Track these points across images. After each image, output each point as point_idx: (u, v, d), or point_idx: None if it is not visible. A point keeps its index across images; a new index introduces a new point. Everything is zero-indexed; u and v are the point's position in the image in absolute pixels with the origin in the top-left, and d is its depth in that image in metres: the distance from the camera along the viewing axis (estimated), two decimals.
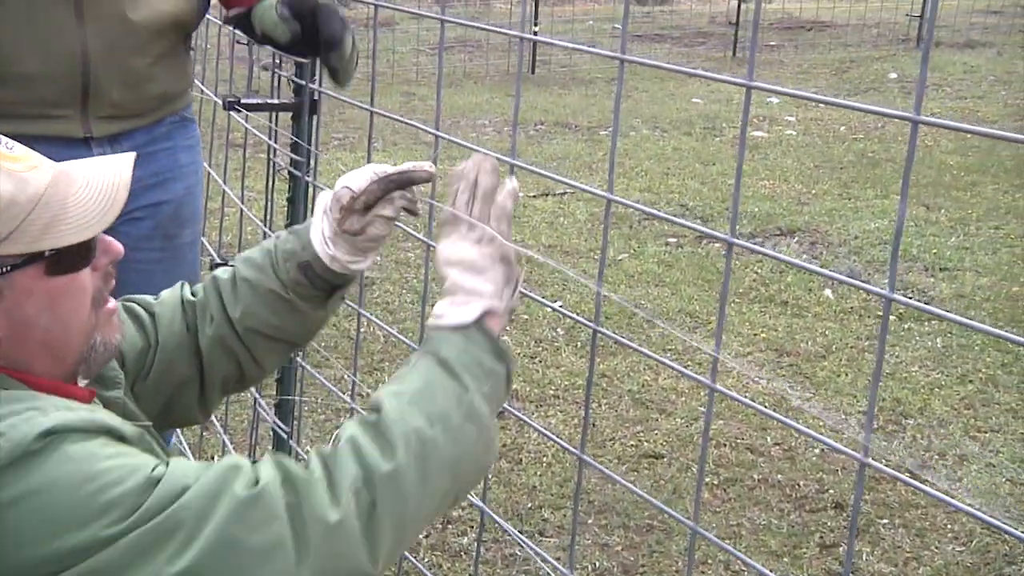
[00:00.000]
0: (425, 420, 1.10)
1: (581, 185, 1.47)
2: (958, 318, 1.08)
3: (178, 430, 2.42)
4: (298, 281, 1.40)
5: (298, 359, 2.37)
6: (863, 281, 4.69)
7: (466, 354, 1.17)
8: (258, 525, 1.00)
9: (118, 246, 1.21)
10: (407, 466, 1.06)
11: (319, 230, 1.38)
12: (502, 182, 1.29)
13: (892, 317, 4.27)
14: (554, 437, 1.63)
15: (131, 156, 1.22)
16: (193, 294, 1.45)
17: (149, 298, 1.45)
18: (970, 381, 3.77)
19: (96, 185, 1.16)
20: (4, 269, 1.09)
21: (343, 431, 1.10)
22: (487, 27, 1.62)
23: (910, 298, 4.52)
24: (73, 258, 1.14)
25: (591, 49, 1.44)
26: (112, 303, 1.23)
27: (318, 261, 1.38)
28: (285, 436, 2.35)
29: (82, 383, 1.24)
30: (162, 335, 1.42)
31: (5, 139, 1.14)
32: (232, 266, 1.46)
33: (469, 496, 2.04)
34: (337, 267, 1.38)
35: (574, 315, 1.58)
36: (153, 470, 1.02)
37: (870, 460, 1.17)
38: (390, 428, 1.08)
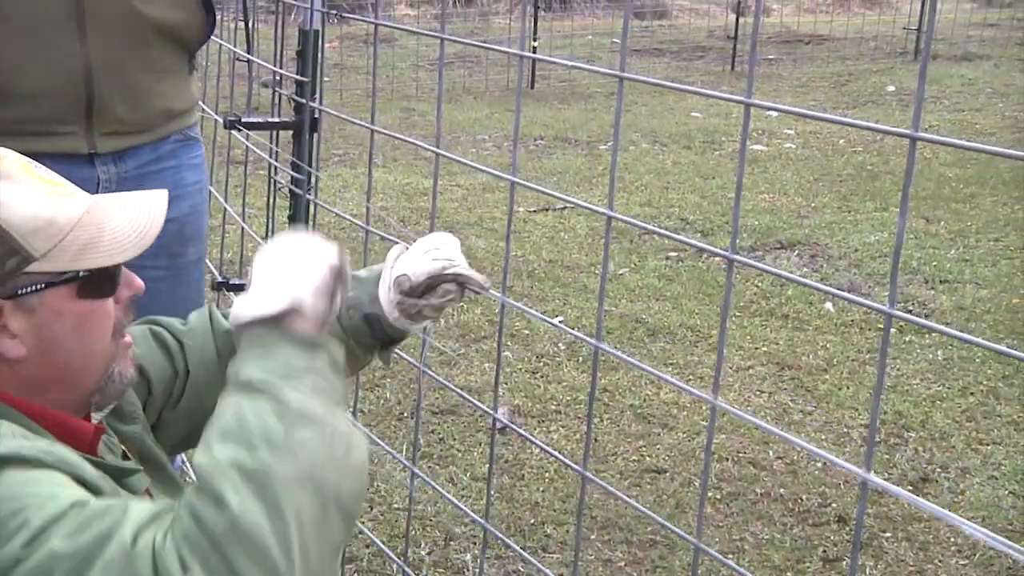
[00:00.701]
0: (245, 451, 0.98)
1: (579, 201, 1.48)
2: (955, 332, 1.09)
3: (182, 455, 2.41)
4: (360, 329, 1.44)
5: None
6: (863, 295, 4.69)
7: (268, 364, 1.06)
8: None
9: (139, 282, 1.25)
10: (244, 508, 0.94)
11: (386, 288, 1.43)
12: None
13: (892, 330, 4.27)
14: (556, 453, 1.64)
15: (164, 193, 1.26)
16: (227, 318, 1.47)
17: (176, 323, 1.47)
18: (971, 393, 3.77)
19: (131, 214, 1.20)
20: (39, 286, 1.13)
21: (180, 503, 0.99)
22: (486, 45, 1.63)
23: (910, 311, 4.52)
24: (103, 283, 1.18)
25: (590, 67, 1.45)
26: (128, 336, 1.25)
27: (385, 318, 1.43)
28: None
29: (96, 417, 1.25)
30: (192, 364, 1.44)
31: (43, 167, 1.18)
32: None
33: (471, 513, 2.04)
34: (399, 325, 1.44)
35: (574, 331, 1.58)
36: (74, 504, 0.99)
37: (871, 476, 1.18)
38: (212, 478, 0.96)
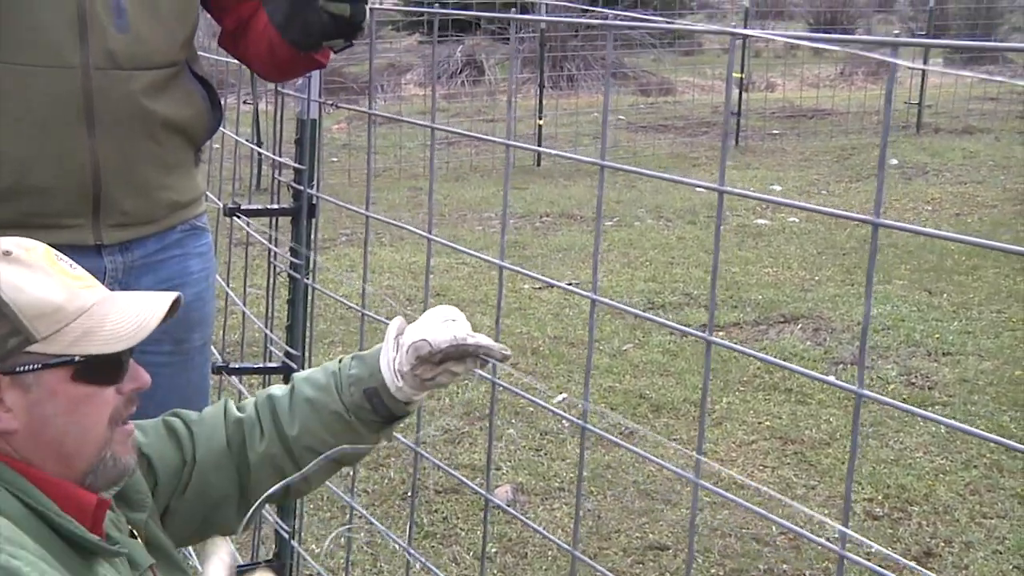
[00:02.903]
0: None
1: (565, 285, 1.52)
2: (929, 415, 1.12)
3: None
4: (361, 406, 1.47)
5: None
6: (866, 369, 4.70)
7: None
8: None
9: (146, 377, 1.31)
10: None
11: (388, 359, 1.46)
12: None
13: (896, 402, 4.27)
14: (549, 536, 1.66)
15: (174, 294, 1.34)
16: (240, 410, 1.51)
17: (192, 414, 1.52)
18: (974, 466, 3.77)
19: (134, 310, 1.27)
20: (37, 366, 1.20)
21: None
22: (473, 134, 1.69)
23: (913, 383, 4.53)
24: (100, 371, 1.24)
25: (570, 155, 1.51)
26: (130, 425, 1.31)
27: (385, 389, 1.46)
28: (287, 536, 2.37)
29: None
30: (199, 453, 1.48)
31: (69, 260, 1.28)
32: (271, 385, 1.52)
33: None
34: (401, 396, 1.46)
35: (565, 414, 1.61)
36: None
37: (847, 552, 1.20)
38: None
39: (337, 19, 1.81)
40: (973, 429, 1.17)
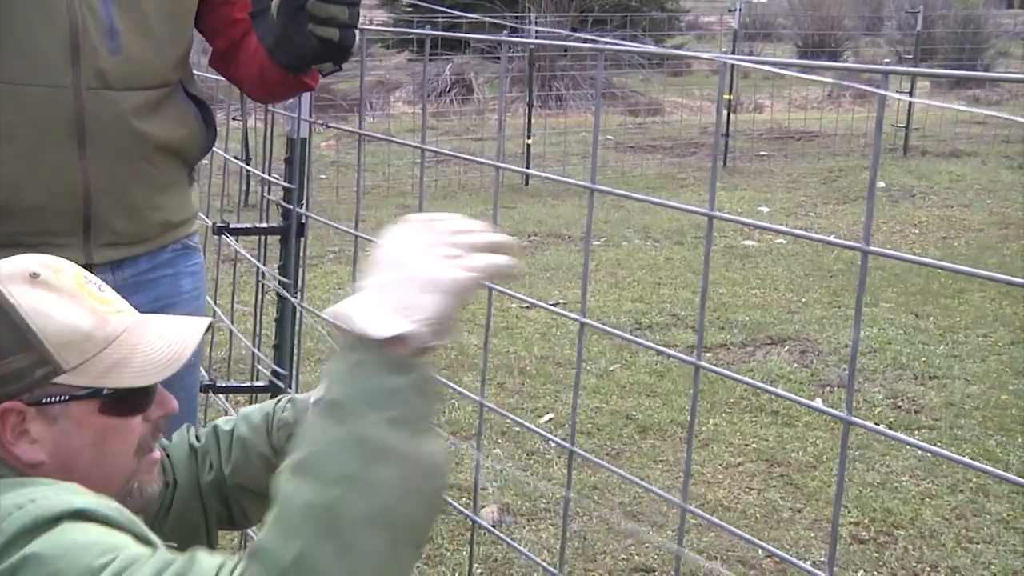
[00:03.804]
0: (319, 488, 0.98)
1: (552, 307, 1.52)
2: (923, 444, 1.12)
3: None
4: (286, 452, 1.44)
5: None
6: (853, 392, 4.70)
7: (358, 385, 1.02)
8: None
9: (174, 403, 1.28)
10: (314, 546, 0.95)
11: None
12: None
13: (882, 426, 4.28)
14: (534, 558, 1.65)
15: (206, 320, 1.30)
16: (198, 438, 1.50)
17: (164, 440, 1.49)
18: (961, 491, 3.77)
19: (167, 339, 1.24)
20: (64, 398, 1.17)
21: (253, 542, 1.02)
22: (469, 157, 1.69)
23: (900, 407, 4.54)
24: (130, 402, 1.22)
25: (563, 179, 1.51)
26: (156, 452, 1.28)
27: None
28: None
29: None
30: (179, 476, 1.46)
31: (99, 281, 1.24)
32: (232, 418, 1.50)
33: None
34: None
35: (552, 436, 1.61)
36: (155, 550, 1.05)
37: None
38: (286, 513, 0.98)
39: (326, 43, 1.81)
40: (962, 458, 1.17)
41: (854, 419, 1.16)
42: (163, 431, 1.30)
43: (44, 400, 1.16)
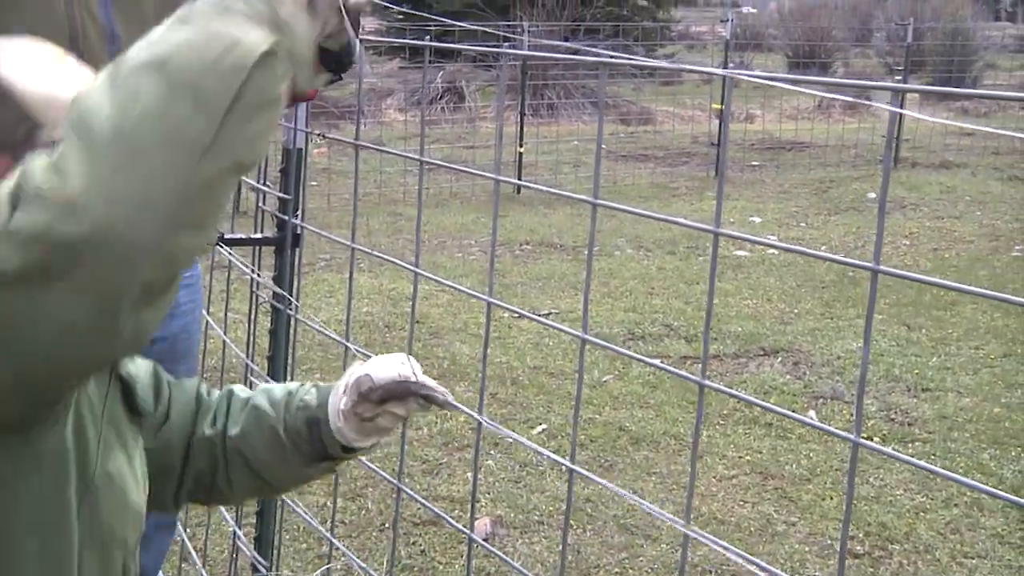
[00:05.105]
0: (132, 56, 0.98)
1: (556, 324, 1.50)
2: (920, 463, 1.10)
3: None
4: (299, 431, 1.43)
5: None
6: (845, 403, 4.70)
7: None
8: None
9: None
10: (95, 91, 0.96)
11: (338, 395, 1.43)
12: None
13: (876, 440, 4.28)
14: (527, 573, 1.63)
15: None
16: (208, 393, 1.50)
17: (171, 377, 1.47)
18: (955, 505, 3.76)
19: None
20: None
21: None
22: (462, 168, 1.67)
23: (892, 419, 4.53)
24: None
25: (568, 194, 1.49)
26: None
27: (326, 425, 1.42)
28: (264, 569, 2.33)
29: None
30: (174, 413, 1.44)
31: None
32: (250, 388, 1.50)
33: None
34: (341, 439, 1.42)
35: (545, 451, 1.59)
36: None
37: None
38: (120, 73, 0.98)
39: (326, 54, 1.79)
40: (961, 477, 1.15)
41: (864, 442, 1.14)
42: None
43: None
